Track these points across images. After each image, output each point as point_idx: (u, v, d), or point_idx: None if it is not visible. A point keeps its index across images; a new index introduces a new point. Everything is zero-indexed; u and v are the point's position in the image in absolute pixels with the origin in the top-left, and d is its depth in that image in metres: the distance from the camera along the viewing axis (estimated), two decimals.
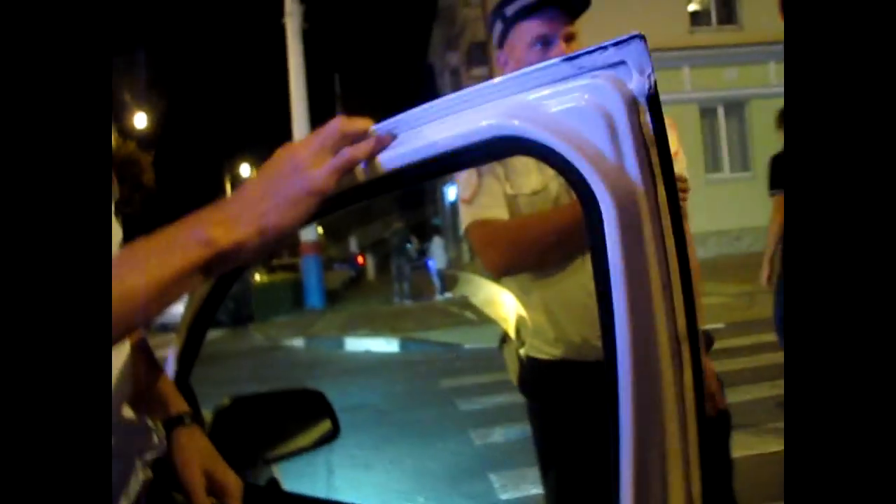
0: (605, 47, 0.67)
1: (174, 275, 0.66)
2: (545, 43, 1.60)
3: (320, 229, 25.93)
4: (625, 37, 0.66)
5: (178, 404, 1.10)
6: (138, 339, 1.11)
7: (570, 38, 1.61)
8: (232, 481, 1.04)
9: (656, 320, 0.67)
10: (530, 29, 1.61)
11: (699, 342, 0.69)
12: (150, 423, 1.03)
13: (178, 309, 1.35)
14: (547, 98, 0.69)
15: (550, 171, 1.60)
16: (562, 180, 1.58)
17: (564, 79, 0.69)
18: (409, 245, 15.82)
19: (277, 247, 0.72)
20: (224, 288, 1.30)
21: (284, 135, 14.40)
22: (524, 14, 1.61)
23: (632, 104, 0.66)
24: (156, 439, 0.94)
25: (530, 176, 1.62)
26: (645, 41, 0.65)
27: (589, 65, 0.68)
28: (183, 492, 0.99)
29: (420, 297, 15.63)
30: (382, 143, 0.78)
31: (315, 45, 15.11)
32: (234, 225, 0.70)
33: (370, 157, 0.77)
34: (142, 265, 0.66)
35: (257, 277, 17.05)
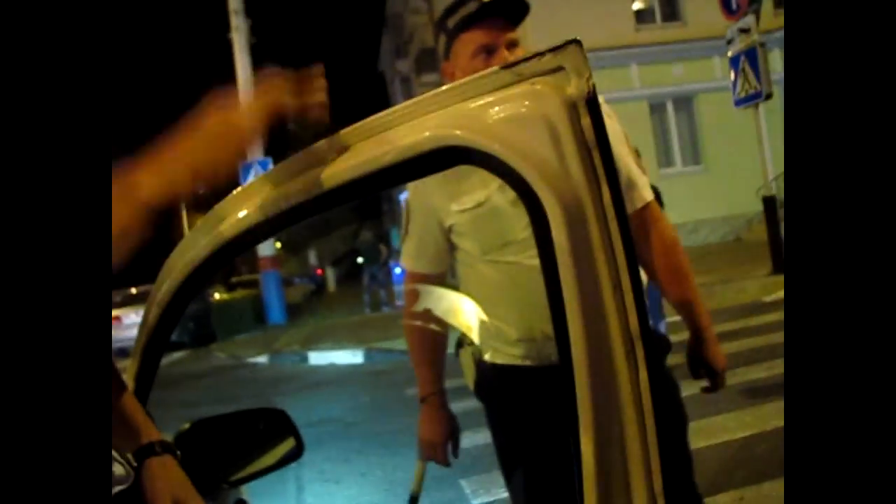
0: (542, 54, 0.67)
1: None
2: (488, 52, 1.62)
3: (278, 244, 25.73)
4: (561, 43, 0.66)
5: (150, 432, 1.07)
6: None
7: (512, 45, 1.63)
8: None
9: (608, 320, 0.68)
10: (472, 39, 1.63)
11: (651, 339, 0.69)
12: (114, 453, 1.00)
13: (131, 333, 1.33)
14: (488, 106, 0.70)
15: (494, 184, 1.62)
16: (504, 192, 1.61)
17: (505, 87, 0.70)
18: (380, 251, 16.02)
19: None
20: (179, 308, 1.27)
21: None
22: (465, 25, 1.63)
23: (572, 108, 0.67)
24: (123, 470, 0.91)
25: (473, 190, 1.65)
26: (581, 46, 0.65)
27: (528, 72, 0.68)
28: None
29: (382, 305, 15.63)
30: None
31: (264, 59, 14.99)
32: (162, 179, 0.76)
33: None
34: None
35: (217, 296, 16.82)
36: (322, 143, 0.82)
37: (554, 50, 0.66)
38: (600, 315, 0.67)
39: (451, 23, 1.67)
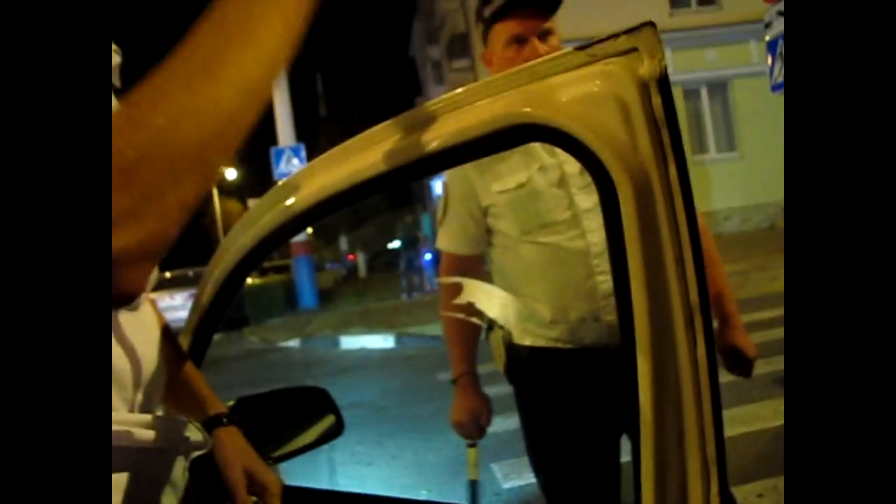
0: (616, 35, 0.69)
1: (283, 37, 0.61)
2: (519, 42, 1.64)
3: (310, 230, 25.91)
4: (636, 24, 0.68)
5: (216, 404, 1.10)
6: (166, 331, 1.08)
7: (545, 35, 1.64)
8: (272, 480, 1.04)
9: (671, 293, 0.70)
10: (505, 29, 1.66)
11: (710, 314, 0.72)
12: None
13: (181, 314, 1.36)
14: (562, 85, 0.72)
15: (535, 166, 1.64)
16: (546, 174, 1.63)
17: (579, 66, 0.72)
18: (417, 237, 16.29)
19: None
20: (231, 290, 1.30)
21: (268, 139, 14.34)
22: (498, 15, 1.66)
23: (643, 87, 0.69)
24: (202, 436, 0.94)
25: (513, 172, 1.66)
26: (655, 28, 0.68)
27: (601, 53, 0.71)
28: (224, 491, 0.99)
29: (414, 291, 15.72)
30: None
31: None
32: None
33: None
34: (273, 12, 0.60)
35: (249, 280, 17.02)
36: (391, 121, 0.84)
37: (628, 32, 0.69)
38: (664, 286, 0.70)
39: (486, 12, 1.69)
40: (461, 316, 1.85)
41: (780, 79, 8.85)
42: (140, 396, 0.82)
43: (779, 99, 9.54)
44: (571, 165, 1.64)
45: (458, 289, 1.83)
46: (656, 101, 0.69)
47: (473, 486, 1.95)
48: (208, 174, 0.56)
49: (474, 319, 1.85)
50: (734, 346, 1.82)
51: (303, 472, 3.34)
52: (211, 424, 1.05)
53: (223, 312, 1.33)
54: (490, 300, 1.85)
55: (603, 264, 1.61)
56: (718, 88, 15.74)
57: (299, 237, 14.83)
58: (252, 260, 1.21)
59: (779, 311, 6.85)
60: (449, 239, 1.89)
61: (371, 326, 10.93)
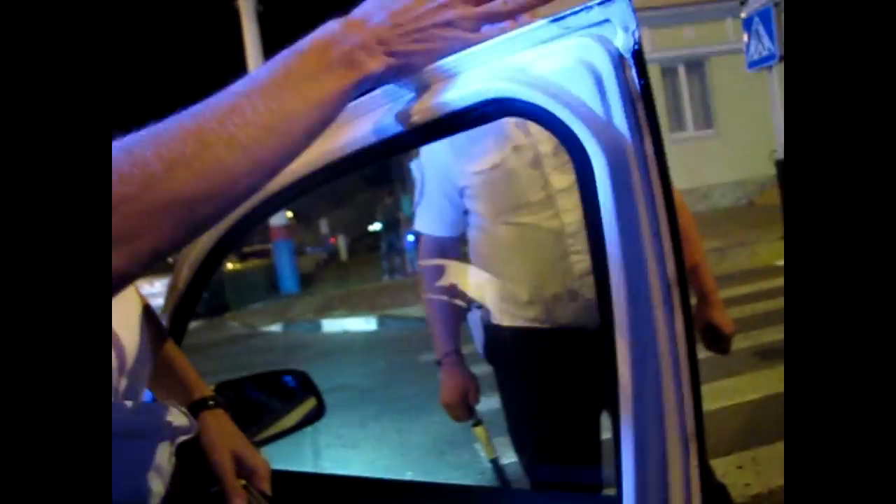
0: (590, 7, 0.69)
1: (333, 99, 0.63)
2: None
3: (290, 214, 25.75)
4: None
5: (201, 387, 1.09)
6: (150, 314, 1.07)
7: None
8: (261, 463, 1.04)
9: (648, 266, 0.70)
10: None
11: (688, 288, 0.72)
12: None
13: (161, 301, 1.34)
14: (535, 59, 0.72)
15: (508, 146, 1.63)
16: (519, 154, 1.62)
17: (551, 39, 0.71)
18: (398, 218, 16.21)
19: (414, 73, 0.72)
20: (204, 277, 1.29)
21: None
22: None
23: (618, 61, 0.68)
24: (187, 421, 0.93)
25: (488, 152, 1.66)
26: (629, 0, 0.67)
27: (574, 25, 0.70)
28: (212, 475, 0.98)
29: (395, 273, 15.69)
30: None
31: (272, 28, 14.87)
32: (376, 49, 0.67)
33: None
34: (302, 90, 0.62)
35: (229, 266, 16.92)
36: (363, 99, 0.84)
37: (602, 3, 0.68)
38: (640, 260, 0.70)
39: None
40: (443, 298, 1.85)
41: (756, 56, 8.88)
42: (124, 381, 0.81)
43: (755, 76, 9.55)
44: (546, 145, 1.64)
45: (439, 271, 1.83)
46: (630, 74, 0.68)
47: (496, 465, 1.93)
48: (193, 227, 0.54)
49: (456, 301, 1.85)
50: (711, 323, 1.84)
51: (287, 456, 3.33)
52: (197, 408, 1.04)
53: (199, 296, 1.32)
54: (470, 280, 1.85)
55: (578, 244, 1.61)
56: (696, 66, 15.77)
57: (279, 221, 14.75)
58: (228, 242, 1.20)
59: (757, 286, 6.93)
60: (426, 221, 1.89)
61: (353, 309, 10.92)
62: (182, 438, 0.91)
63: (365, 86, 0.68)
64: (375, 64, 0.67)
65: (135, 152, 0.52)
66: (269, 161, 0.58)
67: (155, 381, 1.05)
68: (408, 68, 0.71)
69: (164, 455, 0.87)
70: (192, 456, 0.99)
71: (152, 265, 0.53)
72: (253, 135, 0.56)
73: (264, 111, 0.58)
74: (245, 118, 0.57)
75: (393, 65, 0.69)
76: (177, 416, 0.89)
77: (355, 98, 0.68)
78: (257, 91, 0.60)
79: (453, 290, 1.83)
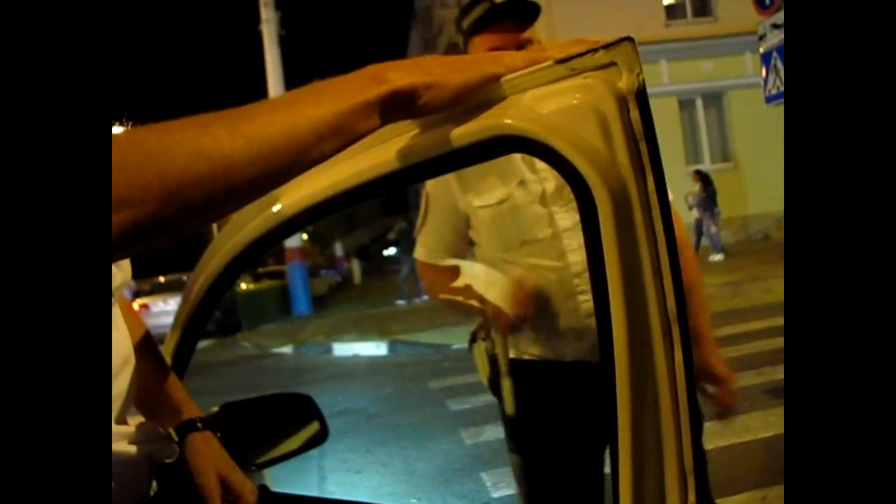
0: (595, 50, 0.70)
1: (351, 107, 0.63)
2: None
3: (305, 236, 25.86)
4: (615, 40, 0.69)
5: (191, 408, 1.09)
6: (144, 336, 1.08)
7: (522, 46, 1.63)
8: (247, 487, 1.04)
9: (648, 302, 0.72)
10: (483, 42, 1.65)
11: (688, 324, 0.73)
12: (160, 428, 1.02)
13: (165, 320, 1.35)
14: (542, 98, 0.73)
15: (514, 181, 1.63)
16: (526, 190, 1.62)
17: (558, 80, 0.73)
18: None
19: (448, 104, 0.70)
20: (218, 293, 1.30)
21: None
22: (476, 28, 1.64)
23: (622, 101, 0.70)
24: (168, 443, 0.93)
25: (494, 187, 1.66)
26: (634, 43, 0.69)
27: (581, 67, 0.72)
28: (197, 498, 0.98)
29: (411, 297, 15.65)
30: None
31: (293, 51, 15.07)
32: (410, 71, 0.68)
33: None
34: (319, 98, 0.63)
35: (243, 286, 16.99)
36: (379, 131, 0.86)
37: (607, 47, 0.70)
38: (641, 297, 0.71)
39: (465, 24, 1.68)
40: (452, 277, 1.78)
41: (774, 91, 8.88)
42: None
43: (773, 110, 9.52)
44: (551, 183, 1.63)
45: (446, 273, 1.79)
46: (634, 114, 0.70)
47: (506, 420, 1.76)
48: (181, 210, 0.52)
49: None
50: (705, 366, 1.80)
51: (292, 479, 3.33)
52: (185, 429, 1.04)
53: (211, 312, 1.33)
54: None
55: (583, 284, 1.60)
56: (713, 99, 15.80)
57: (294, 243, 14.83)
58: (243, 260, 1.21)
59: (771, 322, 6.87)
60: (426, 248, 1.88)
61: (364, 333, 10.91)
62: (165, 460, 0.92)
63: (395, 110, 0.67)
64: (404, 80, 0.67)
65: (136, 131, 0.53)
66: (272, 155, 0.57)
67: (143, 400, 1.05)
68: (439, 90, 0.69)
69: (142, 475, 0.88)
70: (179, 478, 0.99)
71: (130, 245, 0.51)
72: (258, 126, 0.57)
73: (275, 106, 0.60)
74: (253, 113, 0.58)
75: (423, 83, 0.68)
76: (156, 439, 0.89)
77: (387, 123, 0.68)
78: (275, 98, 0.63)
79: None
